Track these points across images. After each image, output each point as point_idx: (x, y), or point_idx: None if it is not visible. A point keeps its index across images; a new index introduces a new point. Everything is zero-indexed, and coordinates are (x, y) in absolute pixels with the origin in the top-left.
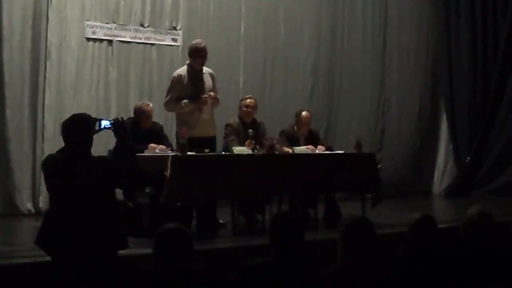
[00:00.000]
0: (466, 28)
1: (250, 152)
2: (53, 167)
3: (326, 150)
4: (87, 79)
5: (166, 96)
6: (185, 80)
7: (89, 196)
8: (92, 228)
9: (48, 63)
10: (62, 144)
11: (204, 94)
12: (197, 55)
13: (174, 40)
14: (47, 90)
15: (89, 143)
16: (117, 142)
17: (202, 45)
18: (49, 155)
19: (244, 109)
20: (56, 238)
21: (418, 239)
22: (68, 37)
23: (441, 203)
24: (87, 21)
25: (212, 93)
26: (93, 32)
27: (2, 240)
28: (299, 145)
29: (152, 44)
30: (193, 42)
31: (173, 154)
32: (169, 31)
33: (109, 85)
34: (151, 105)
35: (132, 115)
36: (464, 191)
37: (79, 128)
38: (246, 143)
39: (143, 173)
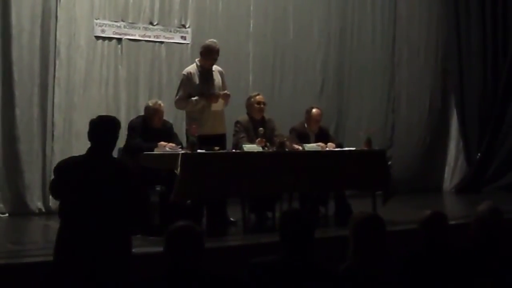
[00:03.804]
0: (476, 23)
1: (260, 149)
2: (67, 168)
3: (336, 147)
4: (97, 77)
5: (177, 94)
6: (195, 78)
7: (103, 195)
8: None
9: (57, 62)
10: (72, 143)
11: (214, 92)
12: (210, 56)
13: (183, 38)
14: (56, 89)
15: (113, 144)
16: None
17: (217, 47)
18: (61, 160)
19: (256, 105)
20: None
21: (429, 235)
22: (77, 35)
23: (452, 200)
24: (96, 19)
25: (226, 91)
26: (102, 31)
27: (13, 239)
28: (309, 142)
29: (161, 42)
30: (208, 42)
31: (183, 152)
32: (178, 29)
33: (119, 83)
34: (162, 104)
35: (141, 113)
36: (474, 187)
37: (107, 128)
38: (257, 141)
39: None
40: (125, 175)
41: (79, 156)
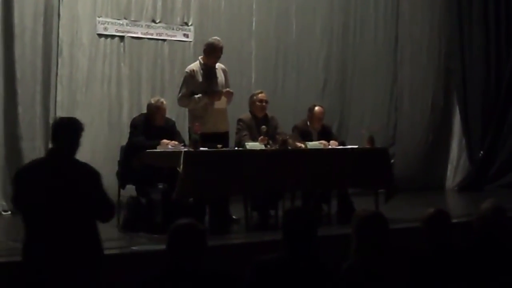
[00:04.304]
0: (478, 21)
1: (262, 147)
2: (26, 172)
3: (339, 145)
4: (99, 75)
5: (179, 92)
6: (198, 76)
7: (66, 197)
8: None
9: (59, 60)
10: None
11: (217, 90)
12: (214, 54)
13: (186, 35)
14: (59, 87)
15: (75, 146)
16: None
17: (221, 44)
18: (19, 168)
19: (258, 103)
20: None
21: (432, 234)
22: (80, 33)
23: (454, 198)
24: (99, 17)
25: (229, 89)
26: (105, 28)
27: (14, 237)
28: (312, 140)
29: (164, 40)
30: (211, 40)
31: (185, 149)
32: (180, 26)
33: (121, 81)
34: (165, 102)
35: (144, 111)
36: (477, 185)
37: (69, 129)
38: (260, 139)
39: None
40: (88, 177)
41: (39, 158)
